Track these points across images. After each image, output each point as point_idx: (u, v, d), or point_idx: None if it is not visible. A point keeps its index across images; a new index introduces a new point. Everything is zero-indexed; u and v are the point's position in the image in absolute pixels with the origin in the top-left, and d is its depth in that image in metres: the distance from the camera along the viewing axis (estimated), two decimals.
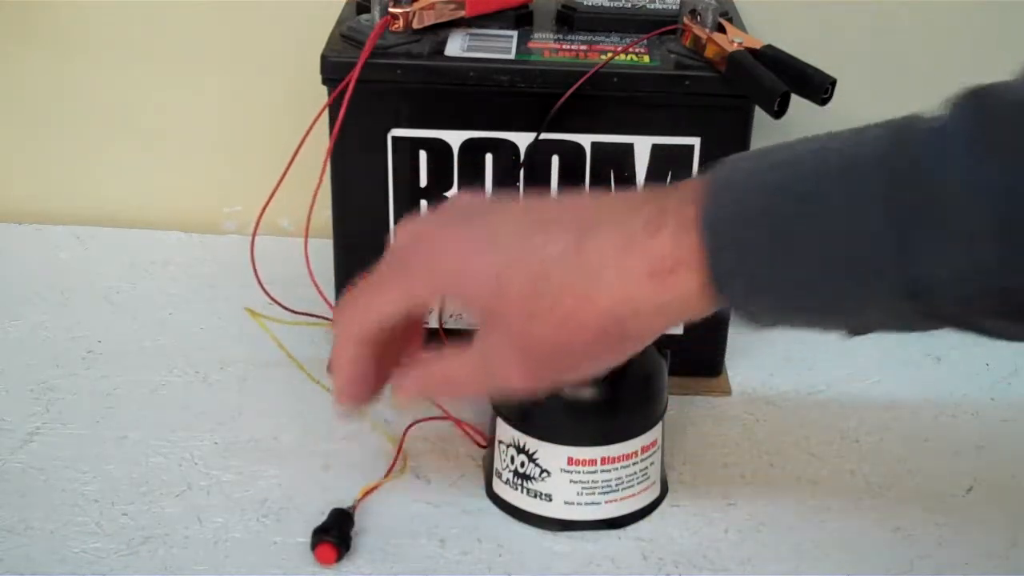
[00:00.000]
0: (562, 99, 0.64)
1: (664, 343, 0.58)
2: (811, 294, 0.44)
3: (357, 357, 0.53)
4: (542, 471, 0.60)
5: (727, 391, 0.72)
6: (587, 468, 0.59)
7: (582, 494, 0.60)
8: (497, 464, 0.62)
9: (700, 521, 0.62)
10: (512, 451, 0.60)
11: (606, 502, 0.60)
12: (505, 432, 0.61)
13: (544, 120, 0.65)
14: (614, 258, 0.46)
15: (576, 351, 0.48)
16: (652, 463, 0.61)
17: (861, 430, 0.69)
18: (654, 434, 0.61)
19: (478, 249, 0.49)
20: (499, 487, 0.62)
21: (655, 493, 0.62)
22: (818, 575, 0.59)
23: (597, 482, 0.60)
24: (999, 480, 0.65)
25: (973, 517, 0.63)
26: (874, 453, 0.67)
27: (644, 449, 0.60)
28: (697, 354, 0.71)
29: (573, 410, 0.59)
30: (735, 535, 0.61)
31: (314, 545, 0.57)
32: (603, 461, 0.59)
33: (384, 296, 0.51)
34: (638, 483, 0.61)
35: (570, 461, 0.59)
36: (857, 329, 0.46)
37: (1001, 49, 0.86)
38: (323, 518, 0.59)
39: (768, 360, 0.75)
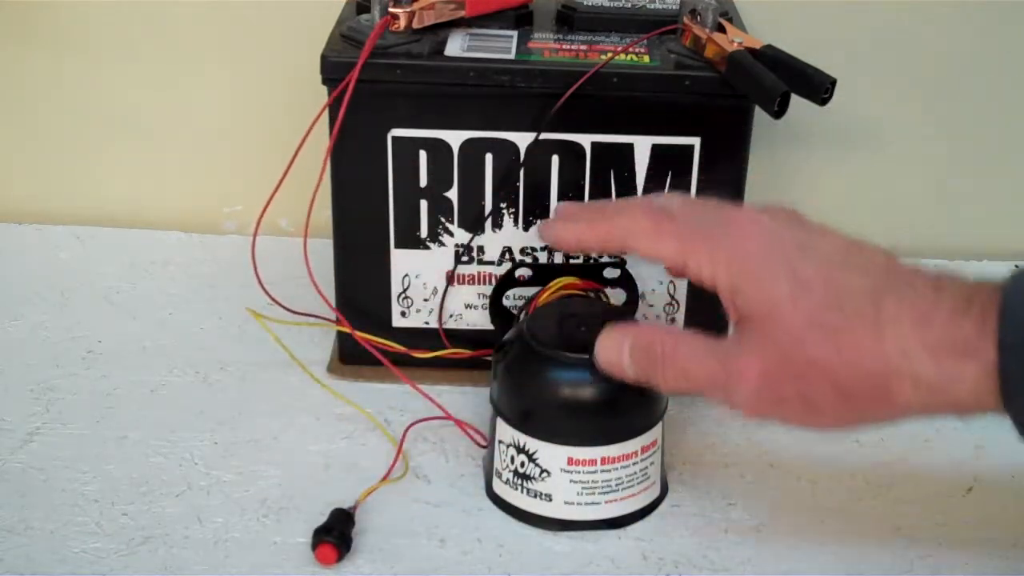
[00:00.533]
0: (562, 99, 0.64)
1: None
2: None
3: (585, 244, 0.57)
4: (542, 471, 0.60)
5: None
6: (587, 468, 0.59)
7: (582, 494, 0.60)
8: (497, 464, 0.62)
9: (700, 521, 0.62)
10: (512, 451, 0.60)
11: (606, 502, 0.60)
12: (505, 432, 0.61)
13: (544, 120, 0.65)
14: (910, 318, 0.47)
15: (830, 384, 0.48)
16: (652, 463, 0.61)
17: (861, 430, 0.69)
18: (654, 434, 0.61)
19: (785, 254, 0.50)
20: (499, 487, 0.62)
21: (655, 493, 0.62)
22: (818, 575, 0.59)
23: (597, 482, 0.60)
24: (999, 480, 0.65)
25: (973, 517, 0.63)
26: (874, 453, 0.67)
27: (644, 449, 0.60)
28: None
29: (573, 410, 0.59)
30: (735, 535, 0.61)
31: (315, 545, 0.57)
32: (603, 461, 0.59)
33: (661, 239, 0.53)
34: (638, 483, 0.61)
35: (570, 461, 0.59)
36: None
37: (1001, 49, 0.86)
38: (323, 518, 0.59)
39: None
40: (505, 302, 0.70)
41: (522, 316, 0.64)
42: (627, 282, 0.69)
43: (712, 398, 0.53)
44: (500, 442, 0.61)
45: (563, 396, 0.59)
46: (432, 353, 0.69)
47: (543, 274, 0.67)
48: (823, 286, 0.49)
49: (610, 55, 0.65)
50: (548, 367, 0.59)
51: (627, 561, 0.59)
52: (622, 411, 0.60)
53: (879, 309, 0.48)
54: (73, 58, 0.87)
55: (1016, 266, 0.86)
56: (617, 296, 0.69)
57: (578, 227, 0.57)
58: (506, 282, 0.69)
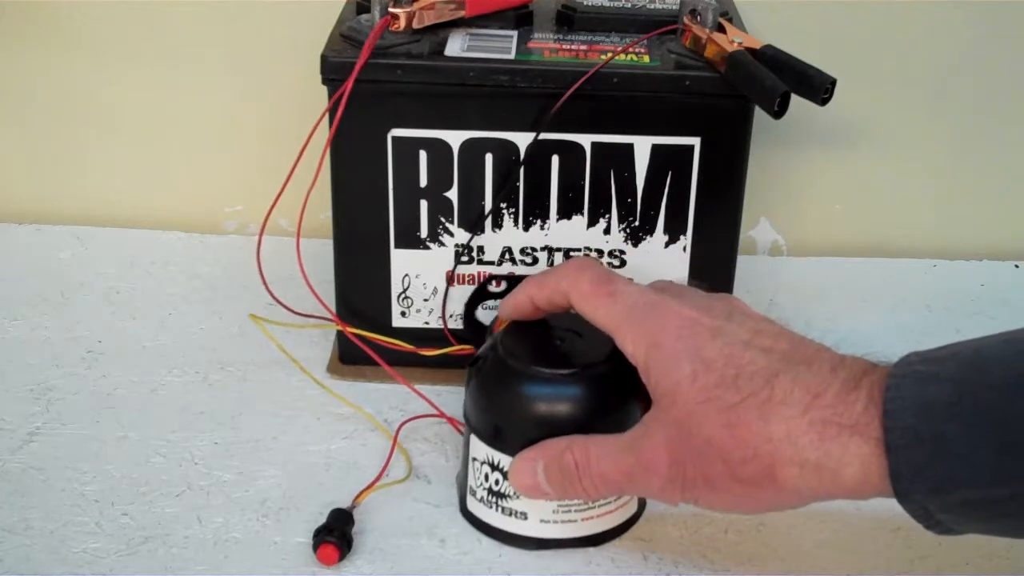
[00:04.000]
0: (562, 99, 0.64)
1: None
2: (1007, 487, 0.43)
3: (522, 307, 0.58)
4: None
5: None
6: None
7: (558, 512, 0.58)
8: (471, 482, 0.60)
9: (700, 521, 0.62)
10: (486, 468, 0.59)
11: (583, 519, 0.59)
12: (479, 449, 0.59)
13: (544, 120, 0.65)
14: (801, 398, 0.47)
15: (723, 464, 0.49)
16: None
17: None
18: None
19: (696, 338, 0.51)
20: (473, 505, 0.61)
21: (632, 509, 0.61)
22: (818, 575, 0.59)
23: (573, 500, 0.58)
24: None
25: None
26: None
27: None
28: None
29: (548, 427, 0.57)
30: (735, 535, 0.61)
31: (316, 545, 0.57)
32: None
33: (593, 305, 0.55)
34: (615, 500, 0.59)
35: None
36: None
37: (1001, 49, 0.86)
38: (323, 518, 0.59)
39: None
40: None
41: (491, 329, 0.64)
42: None
43: (631, 493, 0.54)
44: (474, 459, 0.60)
45: (539, 412, 0.57)
46: (439, 351, 0.69)
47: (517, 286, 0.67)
48: (723, 365, 0.50)
49: (610, 55, 0.65)
50: (523, 382, 0.57)
51: (627, 561, 0.59)
52: (599, 427, 0.57)
53: (772, 388, 0.48)
54: (73, 58, 0.87)
55: (1016, 266, 0.87)
56: None
57: (529, 286, 0.59)
58: (479, 294, 0.69)
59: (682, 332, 0.51)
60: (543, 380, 0.57)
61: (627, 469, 0.53)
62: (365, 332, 0.69)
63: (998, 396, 0.43)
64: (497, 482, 0.59)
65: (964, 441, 0.43)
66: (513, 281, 0.68)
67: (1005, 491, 0.43)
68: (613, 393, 0.58)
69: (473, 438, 0.60)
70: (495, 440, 0.58)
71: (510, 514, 0.59)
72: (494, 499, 0.59)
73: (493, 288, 0.69)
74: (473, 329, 0.69)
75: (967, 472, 0.43)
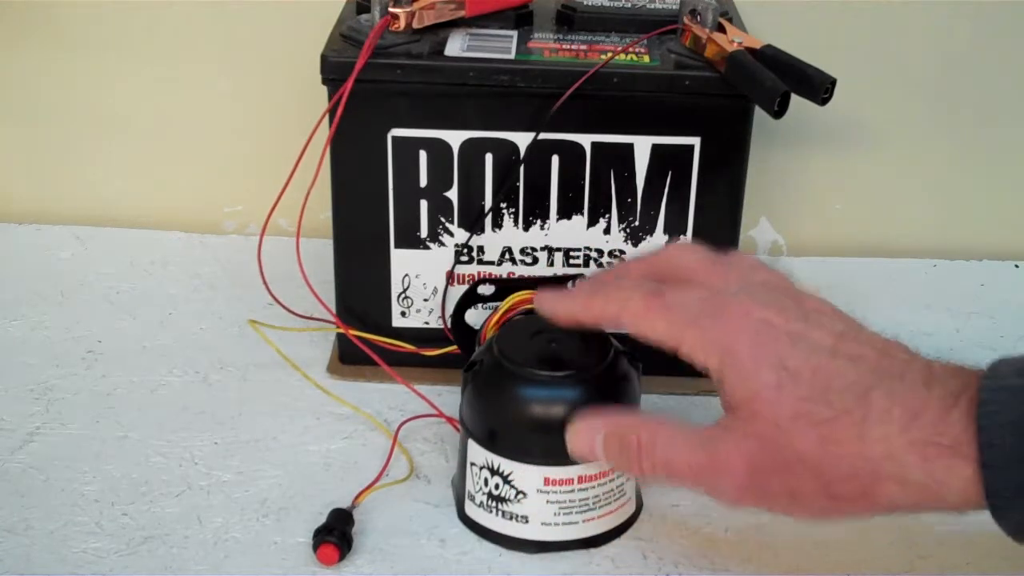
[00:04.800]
0: (562, 99, 0.64)
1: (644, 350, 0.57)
2: None
3: (580, 318, 0.55)
4: (518, 493, 0.58)
5: None
6: (564, 488, 0.58)
7: (559, 514, 0.58)
8: (469, 487, 0.60)
9: (700, 521, 0.62)
10: (486, 473, 0.59)
11: (584, 521, 0.59)
12: (477, 454, 0.59)
13: (544, 120, 0.65)
14: (899, 416, 0.46)
15: (815, 479, 0.47)
16: (628, 479, 0.60)
17: None
18: None
19: (775, 344, 0.48)
20: (472, 510, 0.60)
21: (631, 509, 0.61)
22: (818, 575, 0.59)
23: (574, 501, 0.58)
24: None
25: (973, 517, 0.63)
26: None
27: None
28: None
29: (548, 428, 0.57)
30: (735, 535, 0.61)
31: (316, 545, 0.57)
32: (580, 480, 0.58)
33: (651, 321, 0.52)
34: (615, 500, 0.60)
35: (547, 481, 0.58)
36: None
37: (1001, 49, 0.86)
38: (323, 518, 0.59)
39: None
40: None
41: (480, 334, 0.64)
42: None
43: (695, 487, 0.52)
44: (472, 464, 0.60)
45: (537, 414, 0.57)
46: (440, 350, 0.69)
47: (506, 290, 0.66)
48: (811, 377, 0.48)
49: (610, 55, 0.65)
50: (521, 385, 0.57)
51: (627, 561, 0.59)
52: None
53: (867, 405, 0.47)
54: (73, 58, 0.87)
55: (1016, 266, 0.86)
56: None
57: (574, 303, 0.56)
58: (468, 299, 0.69)
59: (758, 338, 0.49)
60: (541, 382, 0.57)
61: (696, 465, 0.50)
62: (365, 333, 0.69)
63: None
64: (497, 486, 0.59)
65: None
66: (501, 285, 0.68)
67: None
68: (609, 395, 0.58)
69: (471, 443, 0.59)
70: (493, 444, 0.58)
71: (511, 518, 0.59)
72: (494, 503, 0.59)
73: (483, 291, 0.69)
74: (463, 333, 0.68)
75: None
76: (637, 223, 0.68)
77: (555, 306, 0.57)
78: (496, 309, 0.65)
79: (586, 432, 0.54)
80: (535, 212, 0.68)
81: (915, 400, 0.46)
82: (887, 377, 0.47)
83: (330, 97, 0.65)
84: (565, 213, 0.68)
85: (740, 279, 0.53)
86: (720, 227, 0.69)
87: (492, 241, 0.69)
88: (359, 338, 0.68)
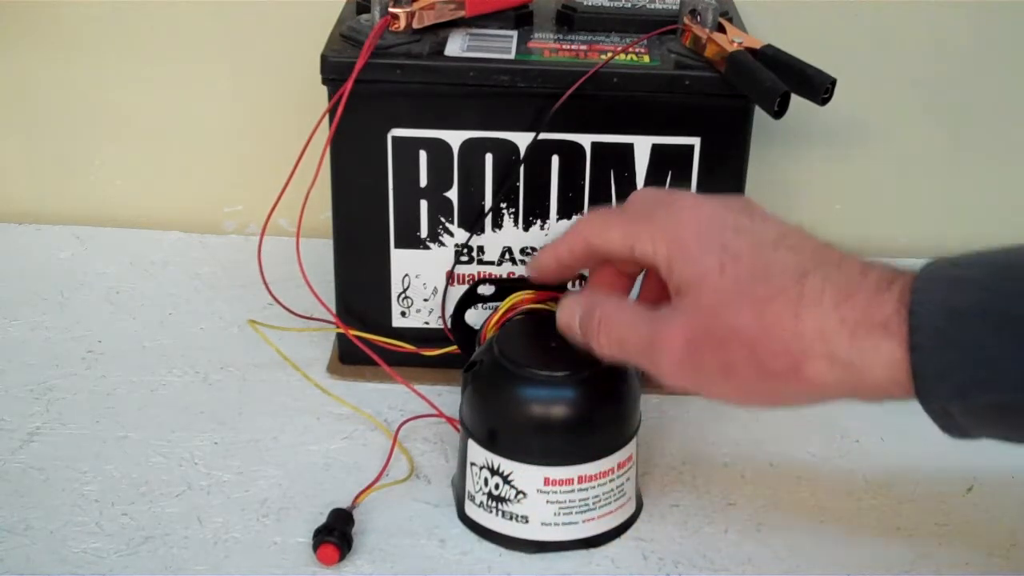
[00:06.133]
0: (562, 99, 0.64)
1: None
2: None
3: (547, 270, 0.58)
4: (518, 493, 0.58)
5: None
6: (564, 488, 0.58)
7: (559, 514, 0.58)
8: (469, 487, 0.60)
9: (700, 521, 0.62)
10: (486, 473, 0.59)
11: (584, 521, 0.59)
12: (477, 454, 0.59)
13: (544, 120, 0.65)
14: (832, 296, 0.47)
15: (749, 353, 0.49)
16: (628, 479, 0.60)
17: (861, 430, 0.69)
18: (629, 449, 0.60)
19: (720, 231, 0.51)
20: (472, 510, 0.60)
21: (631, 509, 0.61)
22: (818, 575, 0.59)
23: (575, 501, 0.58)
24: (999, 480, 0.65)
25: (973, 517, 0.63)
26: (874, 453, 0.67)
27: (620, 465, 0.59)
28: None
29: (548, 428, 0.57)
30: (735, 535, 0.61)
31: (316, 545, 0.57)
32: (580, 480, 0.58)
33: (607, 232, 0.55)
34: (615, 500, 0.60)
35: (547, 481, 0.58)
36: None
37: (1001, 49, 0.86)
38: (323, 518, 0.59)
39: None
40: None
41: (480, 334, 0.64)
42: None
43: (640, 365, 0.53)
44: (472, 464, 0.60)
45: (538, 415, 0.57)
46: (440, 350, 0.69)
47: (506, 290, 0.66)
48: (751, 261, 0.50)
49: (610, 55, 0.65)
50: (521, 385, 0.58)
51: (627, 561, 0.59)
52: (598, 428, 0.58)
53: (803, 285, 0.48)
54: (73, 58, 0.87)
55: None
56: None
57: (553, 248, 0.58)
58: (468, 299, 0.69)
59: (705, 227, 0.51)
60: (541, 382, 0.58)
61: (641, 340, 0.52)
62: (365, 333, 0.69)
63: None
64: (497, 486, 0.59)
65: (992, 347, 0.43)
66: (501, 285, 0.68)
67: None
68: (609, 395, 0.58)
69: (471, 443, 0.59)
70: (493, 444, 0.58)
71: (511, 518, 0.59)
72: (494, 503, 0.59)
73: (483, 291, 0.69)
74: (463, 333, 0.68)
75: (994, 378, 0.44)
76: None
77: (538, 260, 0.59)
78: (496, 309, 0.65)
79: (571, 307, 0.56)
80: (535, 212, 0.68)
81: (849, 283, 0.48)
82: (824, 263, 0.49)
83: (330, 97, 0.65)
84: (565, 213, 0.68)
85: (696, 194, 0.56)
86: None
87: (492, 241, 0.69)
88: (359, 338, 0.68)
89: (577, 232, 0.57)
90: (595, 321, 0.54)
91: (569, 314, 0.56)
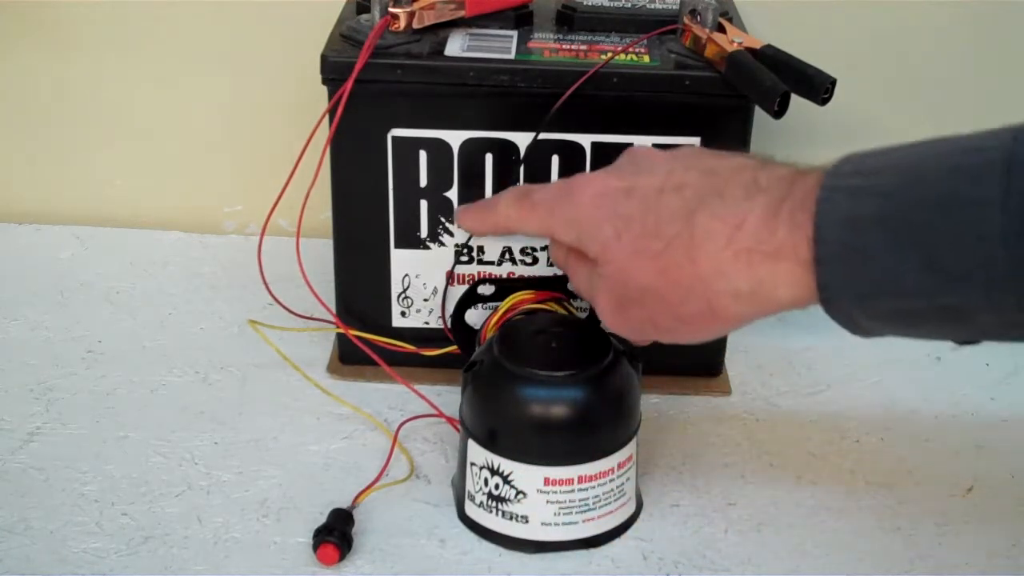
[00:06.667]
0: (562, 99, 0.64)
1: (650, 347, 0.58)
2: (927, 300, 0.44)
3: (487, 230, 0.63)
4: (518, 493, 0.58)
5: (727, 391, 0.72)
6: (564, 488, 0.58)
7: (559, 514, 0.58)
8: (469, 487, 0.60)
9: (700, 521, 0.62)
10: (486, 473, 0.59)
11: (584, 521, 0.59)
12: (478, 454, 0.59)
13: (544, 120, 0.65)
14: (722, 231, 0.49)
15: (664, 306, 0.51)
16: (628, 479, 0.60)
17: (861, 430, 0.69)
18: (629, 449, 0.60)
19: (610, 199, 0.54)
20: (472, 510, 0.60)
21: (631, 509, 0.61)
22: (818, 575, 0.59)
23: (575, 501, 0.58)
24: (999, 480, 0.65)
25: (973, 517, 0.63)
26: (874, 453, 0.67)
27: (620, 465, 0.59)
28: (697, 354, 0.70)
29: (548, 428, 0.57)
30: (735, 535, 0.61)
31: (316, 545, 0.57)
32: (580, 480, 0.58)
33: (526, 223, 0.58)
34: (615, 500, 0.60)
35: (547, 481, 0.58)
36: (968, 339, 0.47)
37: (1001, 49, 0.86)
38: (323, 518, 0.59)
39: (768, 360, 0.75)
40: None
41: (480, 334, 0.64)
42: None
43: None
44: (472, 464, 0.60)
45: (538, 415, 0.57)
46: (440, 350, 0.69)
47: (506, 290, 0.66)
48: (641, 218, 0.52)
49: (610, 55, 0.65)
50: (521, 385, 0.58)
51: (627, 561, 0.59)
52: (598, 428, 0.58)
53: (692, 227, 0.50)
54: (73, 58, 0.87)
55: None
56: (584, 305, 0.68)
57: (477, 214, 0.62)
58: (468, 299, 0.69)
59: (597, 202, 0.54)
60: (542, 382, 0.58)
61: (595, 308, 0.56)
62: (365, 333, 0.69)
63: (927, 214, 0.44)
64: (497, 486, 0.59)
65: (891, 255, 0.44)
66: (501, 285, 0.68)
67: (925, 303, 0.44)
68: (609, 395, 0.58)
69: (471, 443, 0.59)
70: (493, 444, 0.58)
71: (511, 518, 0.59)
72: (494, 503, 0.59)
73: (483, 291, 0.69)
74: (463, 333, 0.68)
75: (892, 285, 0.45)
76: None
77: (466, 221, 0.63)
78: (496, 309, 0.65)
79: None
80: None
81: (736, 214, 0.49)
82: (708, 197, 0.50)
83: (330, 97, 0.65)
84: None
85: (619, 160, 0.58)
86: None
87: (492, 241, 0.69)
88: (359, 338, 0.68)
89: (504, 216, 0.59)
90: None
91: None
